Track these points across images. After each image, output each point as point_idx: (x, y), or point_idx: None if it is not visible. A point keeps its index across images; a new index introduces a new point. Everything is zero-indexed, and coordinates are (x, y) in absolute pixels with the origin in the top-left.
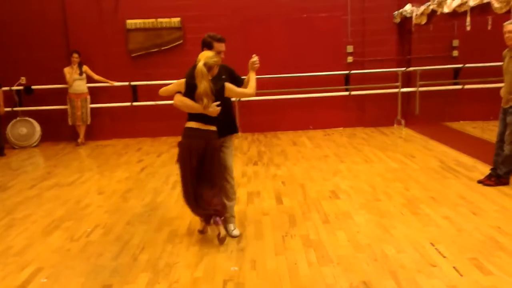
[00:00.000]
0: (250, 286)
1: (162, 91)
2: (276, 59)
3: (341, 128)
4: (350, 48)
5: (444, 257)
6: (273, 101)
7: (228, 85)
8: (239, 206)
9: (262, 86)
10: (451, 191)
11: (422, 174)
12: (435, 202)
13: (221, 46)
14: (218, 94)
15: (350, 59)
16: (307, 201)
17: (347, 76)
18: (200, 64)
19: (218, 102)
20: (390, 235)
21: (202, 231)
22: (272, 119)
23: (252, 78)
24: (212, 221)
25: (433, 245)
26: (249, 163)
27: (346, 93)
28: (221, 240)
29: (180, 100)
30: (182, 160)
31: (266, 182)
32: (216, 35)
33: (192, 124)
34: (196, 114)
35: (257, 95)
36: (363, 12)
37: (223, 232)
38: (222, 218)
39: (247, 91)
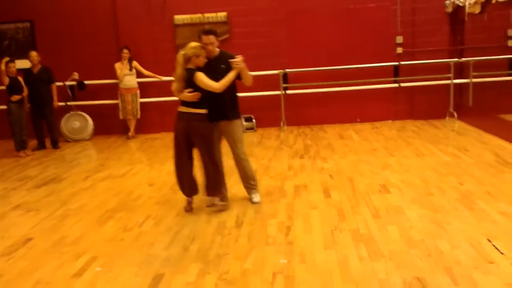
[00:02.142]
0: (300, 279)
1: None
2: (322, 51)
3: (389, 121)
4: (399, 39)
5: (502, 253)
6: (319, 93)
7: (198, 75)
8: (286, 199)
9: (307, 78)
10: (508, 185)
11: (477, 168)
12: (491, 197)
13: (207, 39)
14: (190, 81)
15: (399, 50)
16: (356, 195)
17: (396, 68)
18: (180, 53)
19: (190, 89)
20: (444, 231)
21: (188, 209)
22: (318, 112)
23: (228, 76)
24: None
25: (490, 241)
26: (295, 156)
27: (395, 85)
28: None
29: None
30: (174, 140)
31: (313, 176)
32: (205, 27)
33: (179, 108)
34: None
35: (302, 88)
36: (413, 2)
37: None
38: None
39: (212, 85)
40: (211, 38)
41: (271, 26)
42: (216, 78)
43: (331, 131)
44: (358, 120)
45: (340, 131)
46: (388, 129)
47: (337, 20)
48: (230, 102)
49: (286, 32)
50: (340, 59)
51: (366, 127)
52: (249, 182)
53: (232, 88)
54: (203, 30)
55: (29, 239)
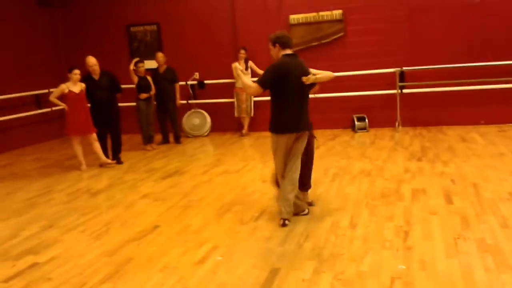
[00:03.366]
0: (420, 287)
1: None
2: (443, 48)
3: None
4: None
5: None
6: (438, 93)
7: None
8: (403, 202)
9: (426, 77)
10: None
11: None
12: None
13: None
14: None
15: None
16: (482, 202)
17: None
18: None
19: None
20: None
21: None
22: (437, 112)
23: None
24: None
25: None
26: (412, 159)
27: None
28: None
29: None
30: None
31: (432, 180)
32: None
33: None
34: None
35: (420, 86)
36: None
37: None
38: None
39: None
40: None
41: (389, 23)
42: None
43: (451, 133)
44: (483, 122)
45: (461, 134)
46: None
47: (460, 16)
48: None
49: (405, 29)
50: (463, 57)
51: (491, 129)
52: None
53: None
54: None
55: (157, 226)
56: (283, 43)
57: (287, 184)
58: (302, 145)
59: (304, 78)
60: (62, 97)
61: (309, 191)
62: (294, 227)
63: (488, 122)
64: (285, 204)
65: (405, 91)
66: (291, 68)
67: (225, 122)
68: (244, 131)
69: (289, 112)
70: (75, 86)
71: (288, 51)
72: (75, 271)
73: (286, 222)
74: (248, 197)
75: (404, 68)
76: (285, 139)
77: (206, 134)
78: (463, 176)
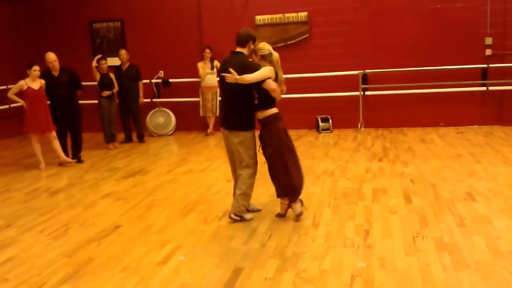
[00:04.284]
0: (380, 284)
1: (252, 78)
2: (405, 52)
3: (476, 126)
4: (488, 40)
5: None
6: (400, 95)
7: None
8: (364, 202)
9: (388, 80)
10: None
11: None
12: None
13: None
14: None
15: (488, 52)
16: (440, 202)
17: (484, 70)
18: (276, 54)
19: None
20: None
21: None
22: (398, 114)
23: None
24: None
25: None
26: (373, 159)
27: (483, 88)
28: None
29: (276, 86)
30: (289, 142)
31: (392, 180)
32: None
33: (277, 109)
34: (274, 100)
35: (382, 89)
36: (504, 2)
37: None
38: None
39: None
40: None
41: (353, 26)
42: None
43: (412, 135)
44: (442, 124)
45: (421, 135)
46: (474, 134)
47: (422, 21)
48: None
49: (368, 32)
50: (424, 61)
51: (450, 131)
52: None
53: None
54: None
55: (118, 226)
56: (235, 40)
57: (238, 181)
58: (230, 143)
59: (224, 75)
60: (21, 94)
61: (273, 189)
62: (258, 226)
63: (447, 124)
64: (234, 199)
65: (367, 93)
66: (225, 66)
67: (190, 121)
68: (209, 131)
69: (222, 107)
70: (35, 82)
71: (237, 49)
72: (33, 272)
73: (232, 216)
74: (212, 196)
75: (367, 70)
76: (222, 134)
77: (170, 133)
78: (422, 177)
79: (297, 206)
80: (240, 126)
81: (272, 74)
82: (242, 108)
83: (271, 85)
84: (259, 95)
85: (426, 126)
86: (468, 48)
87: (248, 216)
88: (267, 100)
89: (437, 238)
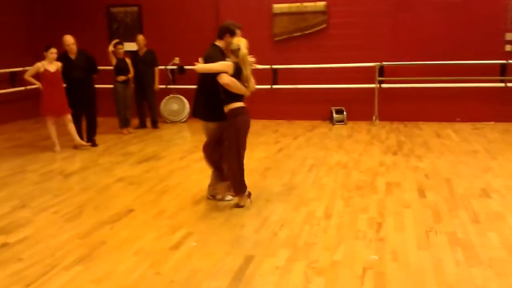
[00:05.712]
0: (392, 277)
1: (202, 68)
2: (423, 45)
3: (492, 123)
4: (509, 36)
5: None
6: (417, 89)
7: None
8: (377, 195)
9: (405, 73)
10: None
11: None
12: None
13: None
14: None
15: (508, 47)
16: (454, 198)
17: (503, 66)
18: (245, 51)
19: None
20: None
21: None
22: (414, 108)
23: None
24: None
25: None
26: (387, 152)
27: (502, 84)
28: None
29: (232, 80)
30: (240, 136)
31: (406, 174)
32: (236, 23)
33: (242, 104)
34: (240, 95)
35: (399, 82)
36: None
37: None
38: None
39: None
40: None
41: (371, 17)
42: None
43: (427, 129)
44: (458, 119)
45: (437, 130)
46: (491, 130)
47: (442, 14)
48: None
49: (388, 24)
50: (442, 55)
51: (466, 127)
52: None
53: None
54: (236, 25)
55: (131, 210)
56: None
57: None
58: (204, 129)
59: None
60: (38, 76)
61: (286, 179)
62: (270, 215)
63: (463, 120)
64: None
65: (383, 85)
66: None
67: None
68: None
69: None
70: (51, 65)
71: (216, 41)
72: (47, 252)
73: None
74: None
75: (384, 63)
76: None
77: (184, 120)
78: (436, 171)
79: (226, 193)
80: (204, 117)
81: (228, 69)
82: (208, 100)
83: (222, 79)
84: (222, 89)
85: (442, 121)
86: (488, 43)
87: (228, 197)
88: (230, 94)
89: (450, 233)
